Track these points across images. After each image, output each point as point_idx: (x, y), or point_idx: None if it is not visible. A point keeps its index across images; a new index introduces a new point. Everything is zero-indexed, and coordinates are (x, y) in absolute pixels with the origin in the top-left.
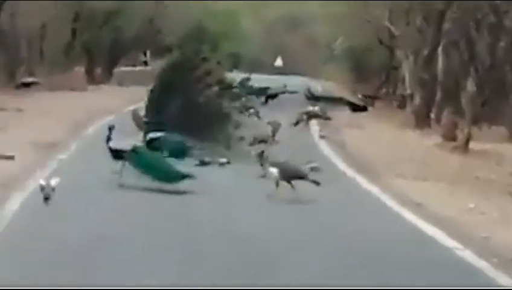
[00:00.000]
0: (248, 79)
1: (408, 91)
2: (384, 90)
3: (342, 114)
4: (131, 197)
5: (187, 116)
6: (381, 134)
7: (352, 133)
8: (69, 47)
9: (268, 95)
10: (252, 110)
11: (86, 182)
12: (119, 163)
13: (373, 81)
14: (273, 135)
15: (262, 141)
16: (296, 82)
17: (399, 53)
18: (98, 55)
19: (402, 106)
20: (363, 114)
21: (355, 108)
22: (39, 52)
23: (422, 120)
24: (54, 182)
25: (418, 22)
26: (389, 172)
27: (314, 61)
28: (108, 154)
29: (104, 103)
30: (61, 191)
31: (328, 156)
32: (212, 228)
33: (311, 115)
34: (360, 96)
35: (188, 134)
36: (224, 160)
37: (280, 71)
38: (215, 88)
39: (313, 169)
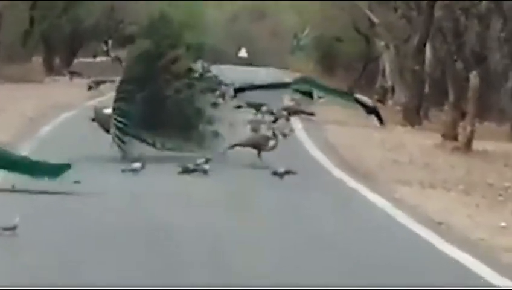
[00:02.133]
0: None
1: (389, 83)
2: (362, 82)
3: (319, 108)
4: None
5: (152, 109)
6: (369, 131)
7: (337, 131)
8: (26, 36)
9: (236, 88)
10: (264, 108)
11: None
12: None
13: (345, 73)
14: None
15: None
16: (263, 73)
17: (377, 43)
18: (57, 45)
19: (383, 99)
20: (342, 108)
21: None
22: None
23: (412, 116)
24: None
25: (404, 9)
26: (390, 178)
27: (279, 52)
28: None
29: (62, 96)
30: None
31: (318, 160)
32: None
33: (292, 111)
34: None
35: (152, 129)
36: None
37: (245, 62)
38: (184, 79)
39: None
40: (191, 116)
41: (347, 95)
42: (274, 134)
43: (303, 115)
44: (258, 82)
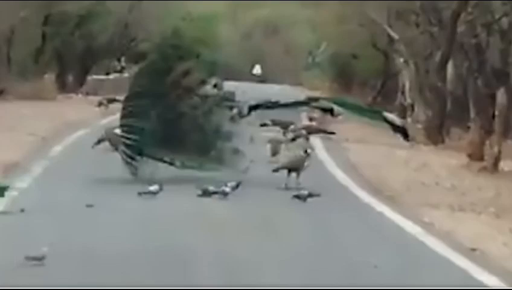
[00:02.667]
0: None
1: (408, 101)
2: (379, 100)
3: (338, 126)
4: None
5: (169, 126)
6: (392, 150)
7: (359, 149)
8: (38, 53)
9: (251, 106)
10: (292, 127)
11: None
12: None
13: (361, 90)
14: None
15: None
16: (276, 91)
17: (396, 59)
18: (69, 61)
19: (402, 117)
20: (361, 126)
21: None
22: (6, 58)
23: (434, 134)
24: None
25: (426, 25)
26: (418, 200)
27: (293, 69)
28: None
29: (75, 114)
30: None
31: (341, 181)
32: None
33: (312, 130)
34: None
35: (170, 147)
36: (229, 187)
37: (258, 79)
38: (199, 94)
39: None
40: (209, 133)
41: (376, 113)
42: (307, 153)
43: (323, 134)
44: (273, 99)
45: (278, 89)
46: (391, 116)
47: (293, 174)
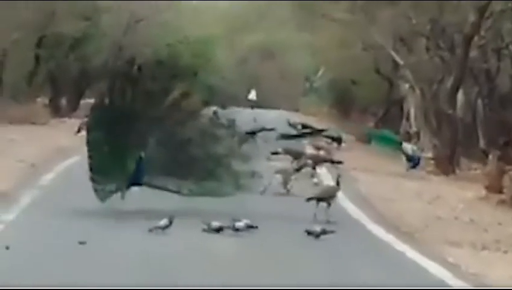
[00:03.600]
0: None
1: (414, 128)
2: (381, 126)
3: (345, 154)
4: None
5: (171, 153)
6: (402, 181)
7: (368, 180)
8: (31, 75)
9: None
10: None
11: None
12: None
13: (361, 117)
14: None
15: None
16: (272, 116)
17: (401, 85)
18: (63, 85)
19: None
20: (367, 154)
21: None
22: None
23: (445, 164)
24: None
25: (435, 49)
26: (437, 237)
27: (290, 94)
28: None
29: (68, 140)
30: None
31: (353, 215)
32: None
33: (319, 160)
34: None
35: (174, 175)
36: (242, 223)
37: (254, 104)
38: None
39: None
40: (221, 156)
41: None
42: (338, 183)
43: (329, 164)
44: (268, 125)
45: (274, 116)
46: (408, 147)
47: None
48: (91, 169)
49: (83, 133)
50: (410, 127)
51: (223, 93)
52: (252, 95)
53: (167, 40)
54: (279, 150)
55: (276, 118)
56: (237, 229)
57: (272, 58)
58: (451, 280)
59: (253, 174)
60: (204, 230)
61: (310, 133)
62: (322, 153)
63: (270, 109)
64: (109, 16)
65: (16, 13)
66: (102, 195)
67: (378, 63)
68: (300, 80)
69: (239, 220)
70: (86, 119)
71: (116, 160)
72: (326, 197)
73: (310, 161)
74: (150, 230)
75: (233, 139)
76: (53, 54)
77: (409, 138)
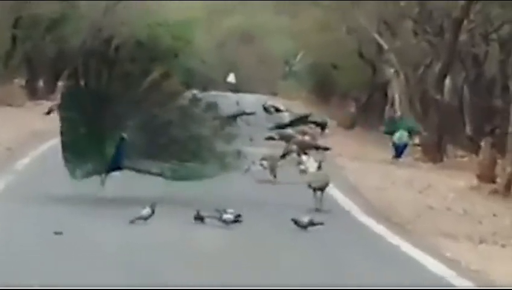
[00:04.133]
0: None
1: (398, 113)
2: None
3: (330, 141)
4: None
5: (152, 136)
6: (391, 168)
7: (356, 168)
8: (7, 57)
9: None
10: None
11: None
12: None
13: (342, 102)
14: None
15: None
16: (251, 100)
17: (386, 70)
18: (40, 66)
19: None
20: (351, 140)
21: None
22: None
23: (433, 152)
24: None
25: (423, 33)
26: (431, 229)
27: (269, 78)
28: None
29: (44, 123)
30: None
31: (342, 205)
32: None
33: (305, 146)
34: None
35: (156, 158)
36: (229, 215)
37: (232, 88)
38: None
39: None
40: (204, 137)
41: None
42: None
43: (315, 150)
44: (248, 110)
45: (253, 100)
46: None
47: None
48: (64, 148)
49: (54, 115)
50: (395, 112)
51: (202, 76)
52: (231, 78)
53: (146, 21)
54: (274, 135)
55: (254, 102)
56: (224, 221)
57: (250, 42)
58: (454, 278)
59: (238, 153)
60: (188, 220)
61: (300, 120)
62: (307, 138)
63: (248, 93)
64: None
65: None
66: (77, 174)
67: (361, 47)
68: (279, 64)
69: (225, 211)
70: (57, 102)
71: (92, 142)
72: (323, 185)
73: (295, 147)
74: (132, 221)
75: (216, 121)
76: (30, 35)
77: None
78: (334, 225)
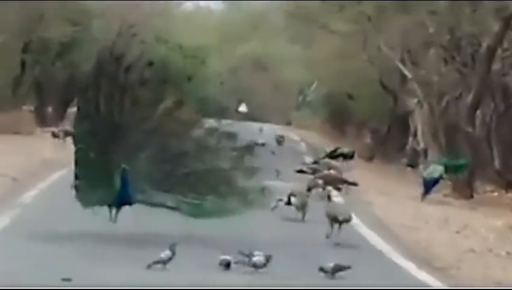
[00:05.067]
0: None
1: (422, 145)
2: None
3: (354, 174)
4: None
5: (167, 168)
6: (420, 205)
7: (385, 204)
8: (16, 82)
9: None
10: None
11: None
12: None
13: (358, 132)
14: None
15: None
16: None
17: (408, 100)
18: (50, 92)
19: (414, 163)
20: (373, 174)
21: None
22: None
23: (463, 187)
24: None
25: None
26: (478, 275)
27: (282, 107)
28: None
29: (53, 152)
30: None
31: (376, 245)
32: None
33: (330, 180)
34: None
35: (172, 192)
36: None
37: (244, 117)
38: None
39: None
40: (224, 170)
41: None
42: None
43: (341, 185)
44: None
45: (266, 129)
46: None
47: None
48: (76, 176)
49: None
50: (418, 144)
51: (216, 104)
52: (242, 108)
53: (160, 46)
54: (306, 168)
55: (267, 131)
56: (254, 265)
57: (264, 70)
58: None
59: (262, 189)
60: (212, 264)
61: (332, 154)
62: (333, 172)
63: (261, 122)
64: (99, 21)
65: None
66: (87, 203)
67: (382, 76)
68: (293, 92)
69: (252, 254)
70: (61, 127)
71: (103, 172)
72: (347, 218)
73: (320, 181)
74: (149, 266)
75: (235, 153)
76: (39, 60)
77: (415, 155)
78: (366, 266)
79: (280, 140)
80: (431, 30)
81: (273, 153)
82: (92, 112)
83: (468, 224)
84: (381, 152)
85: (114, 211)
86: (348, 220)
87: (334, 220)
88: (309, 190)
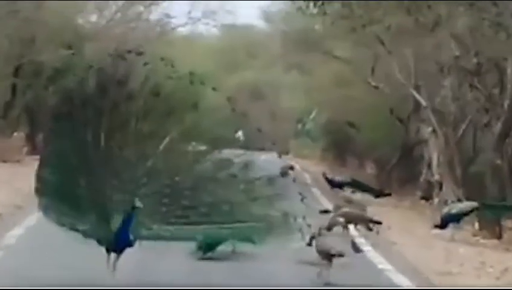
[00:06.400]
0: None
1: (436, 177)
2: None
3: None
4: None
5: (171, 202)
6: (449, 246)
7: (410, 243)
8: (7, 107)
9: None
10: None
11: None
12: None
13: (360, 163)
14: None
15: None
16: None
17: (422, 128)
18: (42, 118)
19: (428, 196)
20: (386, 208)
21: None
22: None
23: (491, 226)
24: None
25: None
26: None
27: (280, 136)
28: None
29: None
30: None
31: None
32: None
33: (352, 218)
34: None
35: (181, 222)
36: None
37: (241, 145)
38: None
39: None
40: (239, 203)
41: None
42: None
43: (364, 224)
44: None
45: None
46: None
47: None
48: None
49: None
50: (432, 175)
51: (213, 134)
52: (239, 136)
53: (157, 73)
54: (330, 208)
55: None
56: None
57: (260, 98)
58: None
59: (286, 215)
60: None
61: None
62: (354, 209)
63: (257, 150)
64: (94, 45)
65: None
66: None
67: (391, 103)
68: (291, 121)
69: None
70: None
71: (91, 204)
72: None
73: (341, 219)
74: None
75: (250, 185)
76: (31, 84)
77: (429, 188)
78: None
79: (286, 172)
80: (456, 53)
81: (294, 180)
82: (86, 141)
83: (508, 268)
84: (388, 184)
85: (114, 258)
86: (342, 255)
87: (326, 256)
88: (329, 229)
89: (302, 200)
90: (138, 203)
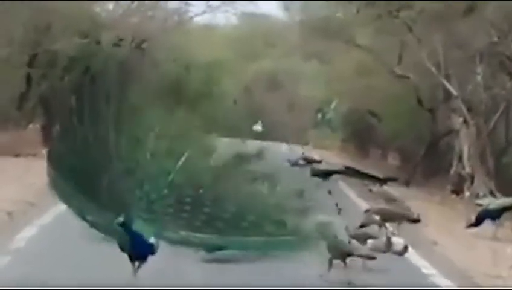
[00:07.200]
0: None
1: (468, 170)
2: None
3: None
4: None
5: (191, 209)
6: (492, 245)
7: (450, 243)
8: (22, 99)
9: None
10: None
11: None
12: None
13: (382, 153)
14: None
15: None
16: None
17: (454, 118)
18: (57, 110)
19: (458, 189)
20: (417, 202)
21: None
22: None
23: None
24: None
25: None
26: None
27: (299, 126)
28: None
29: None
30: None
31: None
32: None
33: (388, 215)
34: None
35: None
36: None
37: (260, 136)
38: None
39: None
40: (272, 208)
41: None
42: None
43: (402, 221)
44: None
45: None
46: None
47: None
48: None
49: None
50: (463, 168)
51: (227, 123)
52: (258, 126)
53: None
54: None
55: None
56: None
57: (279, 88)
58: None
59: (322, 224)
60: None
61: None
62: (393, 206)
63: (276, 141)
64: (110, 33)
65: (3, 27)
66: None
67: (419, 93)
68: (310, 110)
69: None
70: None
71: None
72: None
73: (376, 217)
74: None
75: (284, 190)
76: (46, 75)
77: (460, 181)
78: None
79: (299, 163)
80: (495, 39)
81: (329, 192)
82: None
83: None
84: (415, 176)
85: (136, 264)
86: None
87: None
88: (362, 227)
89: (339, 213)
90: (118, 220)
